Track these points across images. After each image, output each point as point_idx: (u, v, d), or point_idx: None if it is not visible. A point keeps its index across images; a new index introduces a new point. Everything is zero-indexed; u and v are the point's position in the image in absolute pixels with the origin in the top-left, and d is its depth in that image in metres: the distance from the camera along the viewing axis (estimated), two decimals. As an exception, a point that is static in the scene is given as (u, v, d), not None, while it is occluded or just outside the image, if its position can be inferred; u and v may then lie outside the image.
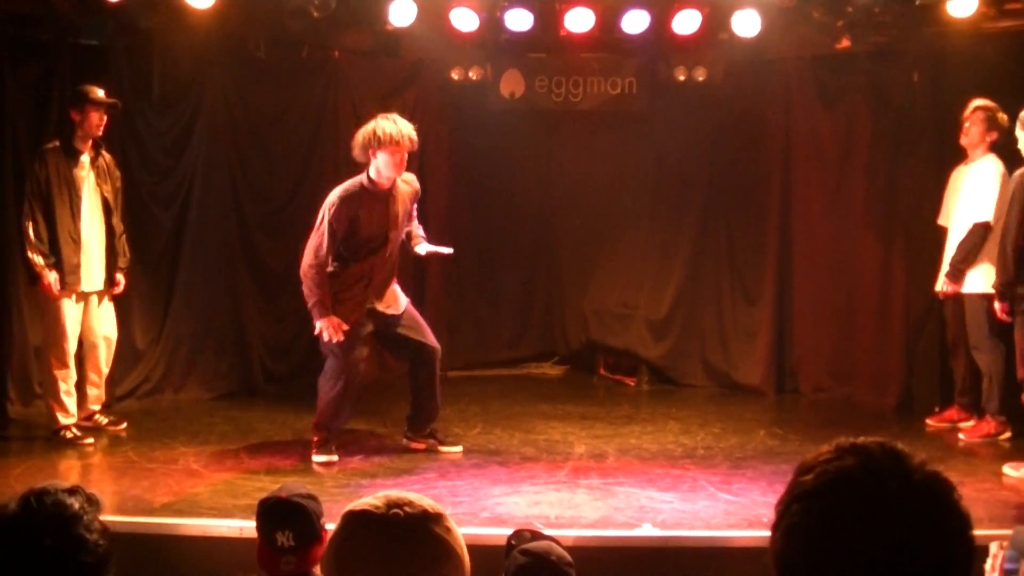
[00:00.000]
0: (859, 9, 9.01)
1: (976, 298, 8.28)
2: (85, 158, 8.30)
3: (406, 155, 7.77)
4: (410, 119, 10.89)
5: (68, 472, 7.52)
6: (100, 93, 8.31)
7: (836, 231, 10.16)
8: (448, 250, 8.20)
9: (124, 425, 8.60)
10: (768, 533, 1.73)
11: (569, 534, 5.85)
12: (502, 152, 11.09)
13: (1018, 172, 7.75)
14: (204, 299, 9.97)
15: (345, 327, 7.65)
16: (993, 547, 3.64)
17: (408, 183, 7.98)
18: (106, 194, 8.41)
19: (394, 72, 10.82)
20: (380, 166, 7.69)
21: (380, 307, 7.86)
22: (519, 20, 9.80)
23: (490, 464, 7.80)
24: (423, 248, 8.12)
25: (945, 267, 8.54)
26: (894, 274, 9.71)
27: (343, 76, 10.58)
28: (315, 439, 7.83)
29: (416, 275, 11.22)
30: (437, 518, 2.12)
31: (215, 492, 6.95)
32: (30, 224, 8.07)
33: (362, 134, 7.76)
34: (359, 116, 10.67)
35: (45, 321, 8.29)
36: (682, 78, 10.40)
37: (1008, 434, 8.26)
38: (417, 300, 11.12)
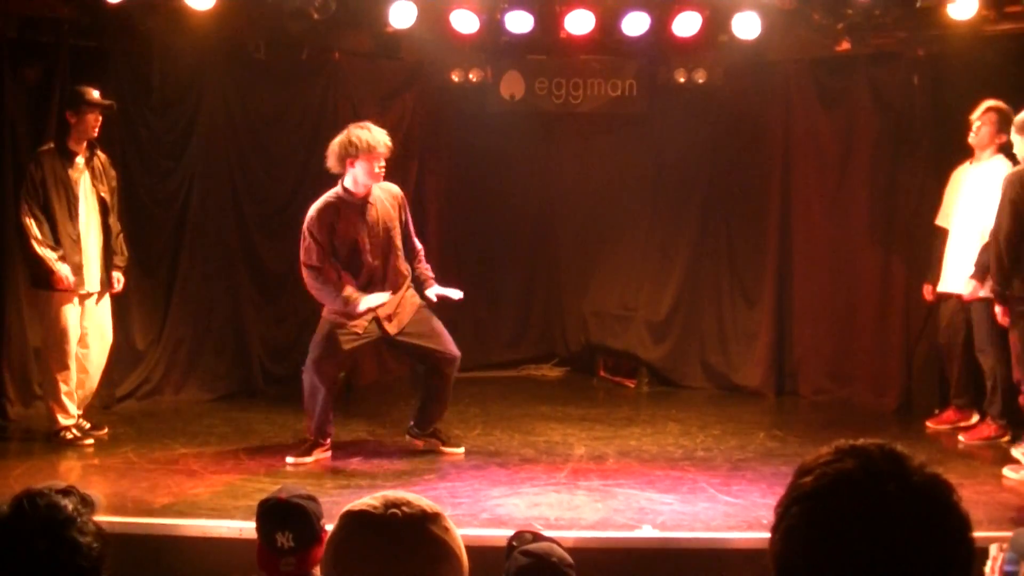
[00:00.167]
0: (859, 11, 9.01)
1: (981, 301, 8.27)
2: (80, 159, 8.28)
3: (384, 161, 7.75)
4: (410, 121, 11.03)
5: (68, 473, 7.51)
6: (96, 94, 8.29)
7: (836, 233, 10.15)
8: (458, 294, 8.12)
9: (105, 430, 8.52)
10: (768, 535, 1.73)
11: (569, 535, 5.85)
12: (502, 154, 11.09)
13: (1010, 174, 7.75)
14: (204, 300, 9.98)
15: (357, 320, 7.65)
16: (993, 549, 3.65)
17: (386, 191, 7.97)
18: (103, 193, 8.40)
19: (394, 74, 10.83)
20: (358, 175, 7.71)
21: (383, 315, 7.84)
22: (519, 22, 9.80)
23: (490, 465, 7.80)
24: (433, 291, 8.07)
25: (947, 268, 8.53)
26: (894, 276, 9.71)
27: (343, 78, 10.58)
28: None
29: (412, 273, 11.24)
30: (435, 518, 2.13)
31: (215, 493, 6.95)
32: (31, 221, 8.04)
33: (337, 144, 7.75)
34: (359, 118, 10.65)
35: (45, 323, 8.28)
36: (682, 80, 10.41)
37: (1008, 437, 8.25)
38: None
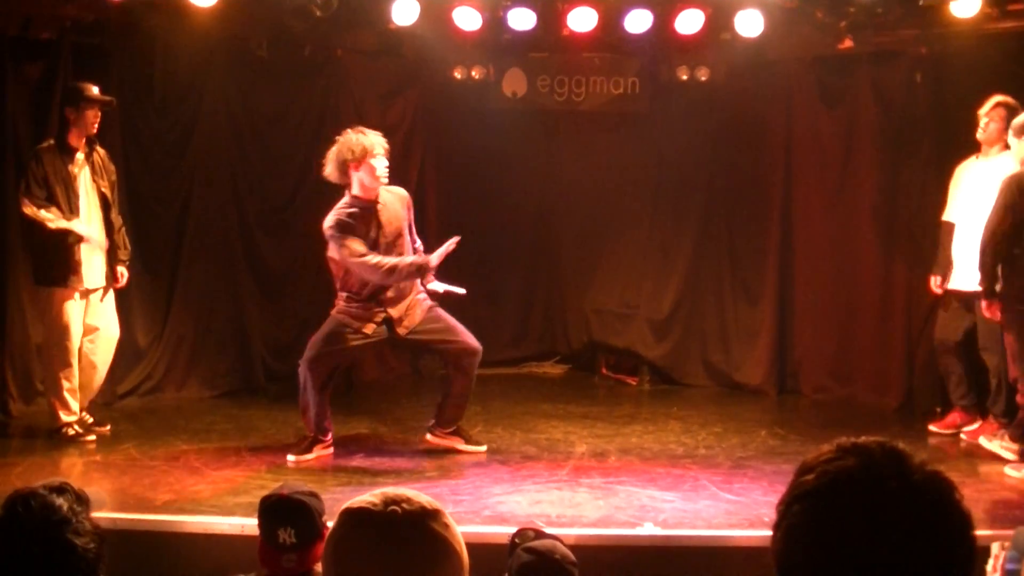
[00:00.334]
0: (861, 10, 9.01)
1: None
2: (80, 155, 8.28)
3: (386, 160, 7.76)
4: (413, 119, 11.02)
5: (70, 470, 7.52)
6: (95, 90, 8.29)
7: (837, 231, 10.15)
8: (461, 290, 8.09)
9: (108, 427, 8.53)
10: (769, 533, 1.73)
11: (570, 533, 5.85)
12: (504, 152, 11.08)
13: (1008, 177, 7.75)
14: (205, 298, 9.98)
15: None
16: (995, 547, 3.64)
17: (394, 194, 7.97)
18: (103, 189, 8.39)
19: (396, 71, 10.83)
20: (364, 179, 7.71)
21: (395, 315, 7.83)
22: (521, 19, 9.80)
23: (491, 463, 7.81)
24: (438, 286, 8.07)
25: (958, 264, 8.51)
26: (895, 275, 9.71)
27: (345, 75, 10.58)
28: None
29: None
30: (435, 515, 2.11)
31: (216, 490, 6.96)
32: (34, 208, 8.00)
33: (334, 154, 7.77)
34: (361, 115, 10.68)
35: (48, 319, 8.27)
36: (684, 78, 10.41)
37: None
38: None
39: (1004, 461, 7.73)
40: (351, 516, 2.12)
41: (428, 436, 8.15)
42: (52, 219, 8.04)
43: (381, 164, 7.72)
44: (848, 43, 9.50)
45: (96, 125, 8.30)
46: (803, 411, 9.99)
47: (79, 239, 8.13)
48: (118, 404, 9.19)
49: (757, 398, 10.27)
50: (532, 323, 11.74)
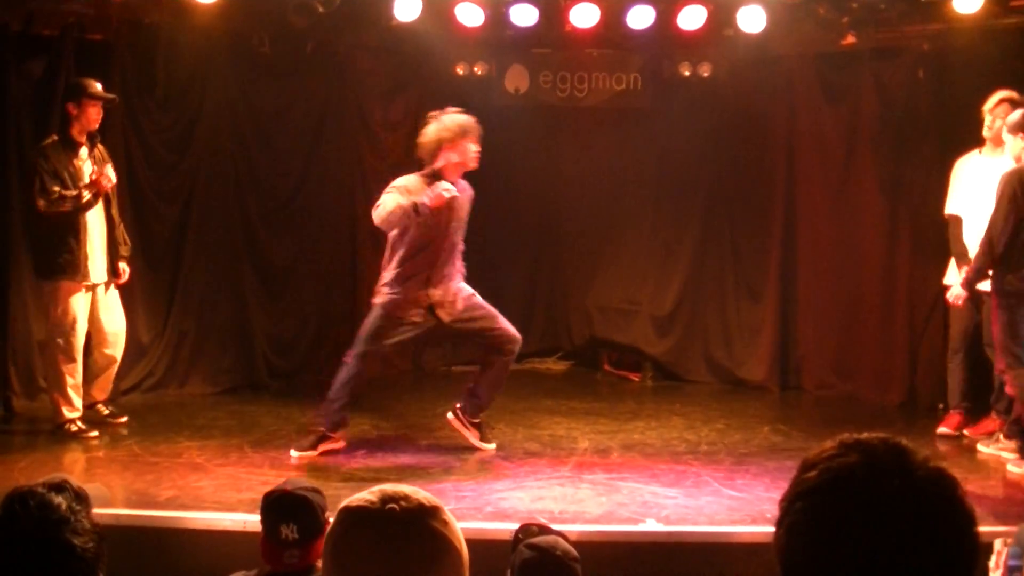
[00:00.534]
0: (864, 6, 9.01)
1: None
2: (83, 150, 8.30)
3: (478, 146, 7.80)
4: (414, 115, 10.97)
5: (72, 466, 7.53)
6: (98, 87, 8.30)
7: (840, 228, 10.15)
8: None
9: (125, 419, 8.59)
10: (772, 529, 1.73)
11: (573, 529, 5.84)
12: (506, 148, 11.05)
13: (1008, 172, 7.74)
14: (208, 294, 9.98)
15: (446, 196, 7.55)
16: (997, 544, 3.65)
17: (464, 188, 7.98)
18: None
19: (399, 68, 10.81)
20: (453, 158, 7.74)
21: (436, 299, 7.81)
22: (524, 15, 9.80)
23: (494, 459, 7.81)
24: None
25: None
26: (898, 271, 9.71)
27: (347, 72, 10.58)
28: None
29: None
30: (434, 511, 2.10)
31: (219, 486, 6.95)
32: (48, 199, 8.03)
33: (432, 133, 7.79)
34: (364, 112, 10.73)
35: (54, 314, 8.25)
36: (687, 74, 10.40)
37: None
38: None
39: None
40: (349, 515, 2.11)
41: (450, 416, 8.05)
42: (66, 200, 8.06)
43: (473, 148, 7.76)
44: (851, 39, 9.49)
45: (98, 121, 8.31)
46: (805, 407, 9.99)
47: (89, 204, 8.14)
48: (121, 400, 9.19)
49: (760, 394, 10.27)
50: (535, 319, 11.72)
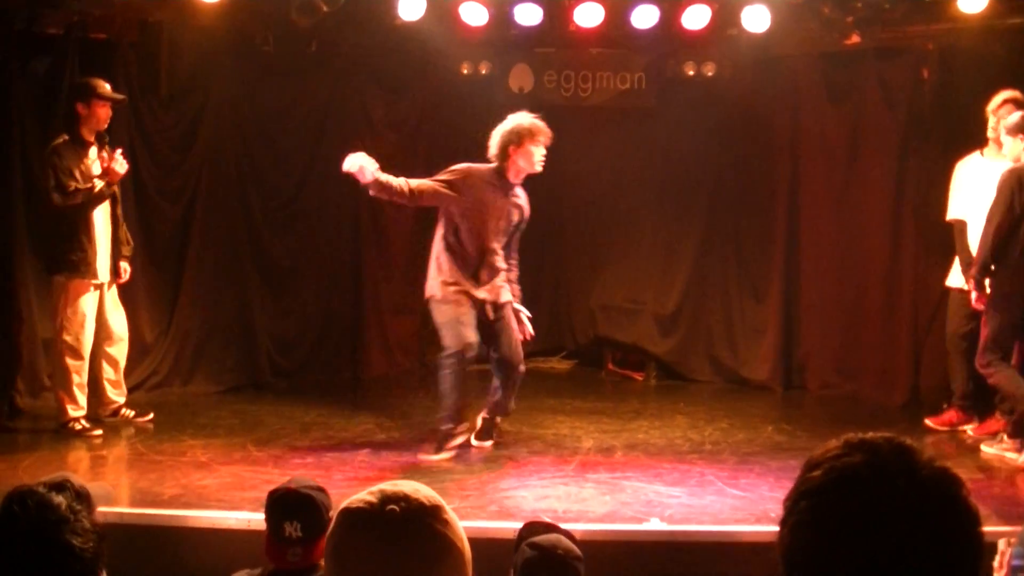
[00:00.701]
0: (868, 5, 9.00)
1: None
2: (92, 150, 8.32)
3: (544, 152, 7.83)
4: (419, 114, 11.02)
5: (76, 464, 7.53)
6: (107, 87, 8.32)
7: (843, 228, 10.15)
8: (529, 330, 8.16)
9: (151, 416, 8.61)
10: (775, 529, 1.73)
11: (576, 528, 5.82)
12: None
13: (1007, 170, 7.76)
14: (211, 293, 9.99)
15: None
16: (1001, 544, 3.64)
17: (522, 197, 8.01)
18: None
19: (402, 67, 10.80)
20: (520, 161, 7.80)
21: (481, 296, 7.81)
22: (528, 14, 9.80)
23: (498, 458, 7.81)
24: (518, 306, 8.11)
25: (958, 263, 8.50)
26: (902, 271, 9.70)
27: (351, 71, 10.58)
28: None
29: (420, 266, 11.21)
30: (434, 512, 2.08)
31: (222, 485, 6.95)
32: (64, 195, 8.05)
33: (500, 133, 7.84)
34: (367, 111, 10.72)
35: (64, 312, 8.22)
36: (691, 73, 10.40)
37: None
38: (423, 294, 11.15)
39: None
40: (349, 517, 2.09)
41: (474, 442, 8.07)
42: (79, 192, 8.08)
43: (539, 152, 7.79)
44: (855, 39, 9.49)
45: (107, 121, 8.34)
46: (809, 407, 9.99)
47: (102, 196, 8.18)
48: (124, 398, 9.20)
49: (763, 394, 10.27)
50: (538, 318, 11.60)
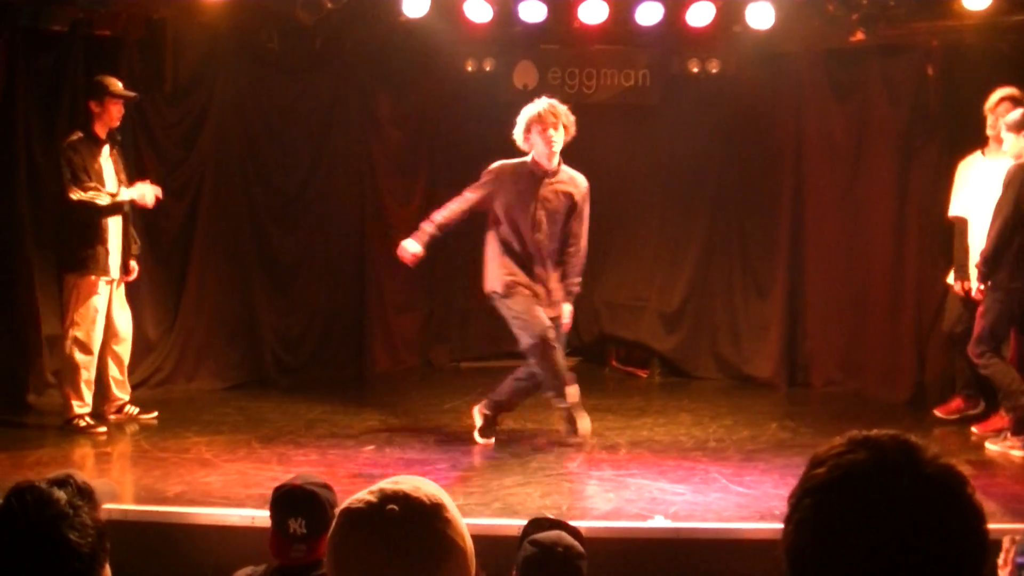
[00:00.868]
0: (873, 2, 8.99)
1: None
2: (106, 147, 8.35)
3: (556, 132, 7.80)
4: (423, 111, 11.01)
5: (80, 461, 7.54)
6: (119, 85, 8.36)
7: (848, 225, 10.14)
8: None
9: (155, 413, 8.63)
10: (780, 526, 1.72)
11: (581, 525, 5.82)
12: (514, 144, 11.05)
13: (1013, 166, 7.77)
14: (216, 290, 10.00)
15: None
16: (1005, 541, 3.64)
17: (572, 180, 8.01)
18: (124, 182, 8.46)
19: (407, 64, 10.79)
20: (536, 145, 7.87)
21: (538, 292, 7.86)
22: (533, 11, 9.80)
23: (502, 455, 7.81)
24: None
25: (960, 261, 8.50)
26: (906, 268, 9.69)
27: (355, 68, 10.58)
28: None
29: (425, 264, 11.21)
30: (435, 510, 2.05)
31: (227, 482, 6.96)
32: (83, 194, 8.09)
33: (519, 118, 7.91)
34: (372, 108, 10.72)
35: (77, 308, 8.22)
36: (695, 70, 10.40)
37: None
38: (428, 291, 11.17)
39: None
40: (348, 518, 2.07)
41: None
42: (101, 198, 8.12)
43: (551, 136, 7.79)
44: (859, 36, 9.47)
45: (119, 119, 8.37)
46: (813, 404, 9.98)
47: (120, 207, 8.25)
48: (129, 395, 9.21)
49: (767, 391, 10.26)
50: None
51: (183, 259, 9.82)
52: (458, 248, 10.73)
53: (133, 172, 8.74)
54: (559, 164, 7.95)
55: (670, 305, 11.02)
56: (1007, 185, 7.75)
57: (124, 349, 8.58)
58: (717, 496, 6.82)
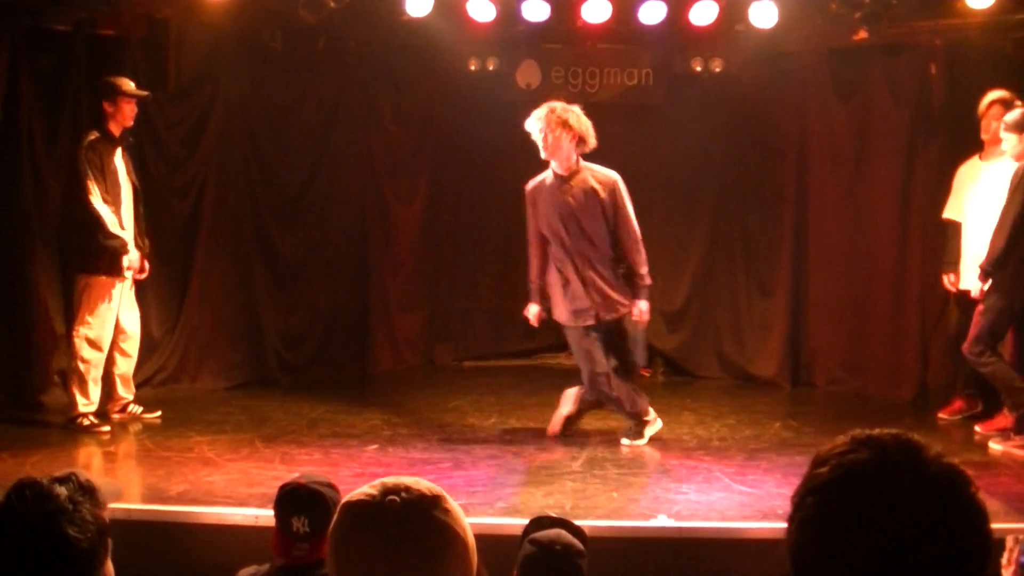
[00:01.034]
0: (876, 1, 8.98)
1: None
2: (120, 148, 8.38)
3: (541, 136, 7.83)
4: (426, 110, 11.01)
5: (84, 460, 7.54)
6: (131, 85, 8.40)
7: (851, 224, 10.14)
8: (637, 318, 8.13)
9: (159, 412, 8.63)
10: (783, 525, 1.72)
11: (584, 524, 5.81)
12: (517, 143, 11.05)
13: (1020, 166, 7.76)
14: (219, 289, 10.00)
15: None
16: (1009, 541, 3.63)
17: (596, 176, 7.99)
18: (134, 182, 8.49)
19: (410, 63, 10.81)
20: (548, 151, 7.89)
21: (587, 305, 7.91)
22: (536, 10, 9.80)
23: (505, 454, 7.80)
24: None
25: (964, 265, 8.50)
26: (909, 267, 9.69)
27: (358, 67, 10.58)
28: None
29: (427, 263, 11.23)
30: (435, 501, 2.06)
31: (230, 481, 6.96)
32: (104, 208, 8.13)
33: None
34: (375, 107, 10.73)
35: (90, 308, 8.25)
36: (698, 69, 10.40)
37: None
38: (430, 291, 11.18)
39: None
40: (349, 511, 2.08)
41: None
42: (110, 223, 8.16)
43: (537, 142, 7.86)
44: (862, 35, 9.47)
45: (132, 118, 8.39)
46: (816, 403, 9.98)
47: (123, 245, 8.26)
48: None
49: (770, 390, 10.27)
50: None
51: (186, 258, 9.82)
52: (459, 248, 10.77)
53: (137, 171, 8.74)
54: (577, 164, 7.91)
55: (673, 304, 11.02)
56: (1015, 187, 7.73)
57: (132, 348, 8.60)
58: (720, 495, 6.81)
